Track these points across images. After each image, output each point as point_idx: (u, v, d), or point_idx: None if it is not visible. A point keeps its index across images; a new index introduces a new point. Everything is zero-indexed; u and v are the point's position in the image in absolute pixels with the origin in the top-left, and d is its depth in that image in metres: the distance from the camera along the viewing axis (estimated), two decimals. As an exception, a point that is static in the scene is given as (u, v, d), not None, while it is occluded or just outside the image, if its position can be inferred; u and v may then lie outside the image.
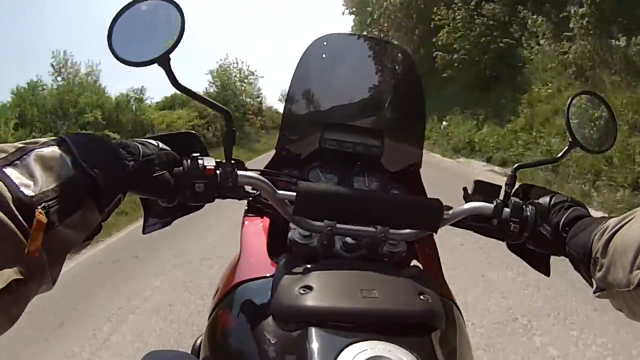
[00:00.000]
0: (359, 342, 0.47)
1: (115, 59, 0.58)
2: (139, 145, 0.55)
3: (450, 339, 0.61)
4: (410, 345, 0.48)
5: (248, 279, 0.70)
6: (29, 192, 0.39)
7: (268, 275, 0.66)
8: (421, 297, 0.54)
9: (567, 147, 0.74)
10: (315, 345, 0.47)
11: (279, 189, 0.64)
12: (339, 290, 0.53)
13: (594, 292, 0.54)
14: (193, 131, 0.69)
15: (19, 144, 0.42)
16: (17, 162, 0.40)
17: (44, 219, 0.38)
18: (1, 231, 0.36)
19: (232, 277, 0.74)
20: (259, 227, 0.86)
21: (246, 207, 0.89)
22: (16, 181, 0.39)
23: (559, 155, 0.76)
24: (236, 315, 0.66)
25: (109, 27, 0.59)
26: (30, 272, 0.38)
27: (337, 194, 0.65)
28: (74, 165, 0.43)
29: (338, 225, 0.64)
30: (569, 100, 0.76)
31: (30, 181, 0.40)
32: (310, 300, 0.51)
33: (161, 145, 0.58)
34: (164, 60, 0.57)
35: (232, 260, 0.85)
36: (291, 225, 0.70)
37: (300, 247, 0.69)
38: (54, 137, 0.46)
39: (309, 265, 0.59)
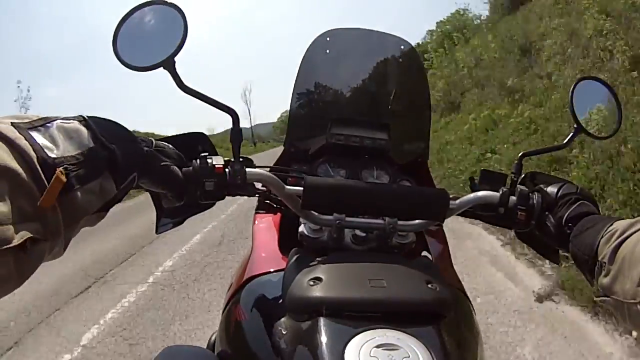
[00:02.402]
0: (367, 330, 0.48)
1: (121, 64, 0.59)
2: (152, 139, 0.57)
3: (458, 328, 0.62)
4: (418, 333, 0.48)
5: (260, 274, 0.71)
6: (52, 155, 0.40)
7: (279, 269, 0.68)
8: (429, 286, 0.55)
9: (572, 134, 0.74)
10: (325, 334, 0.48)
11: (287, 185, 0.66)
12: (348, 280, 0.55)
13: (597, 297, 0.53)
14: (202, 132, 0.70)
15: (41, 115, 0.44)
16: (41, 128, 0.42)
17: (63, 177, 0.39)
18: (23, 188, 0.37)
19: (245, 272, 0.75)
20: (270, 223, 0.87)
21: (257, 204, 0.91)
22: (40, 143, 0.40)
23: (564, 142, 0.76)
24: (249, 309, 0.67)
25: (114, 33, 0.60)
26: (46, 232, 0.39)
27: (344, 187, 0.66)
28: (94, 139, 0.45)
29: (347, 219, 0.65)
30: (573, 85, 0.76)
31: (53, 145, 0.41)
32: (320, 291, 0.53)
33: (172, 147, 0.60)
34: (169, 64, 0.58)
35: (244, 256, 0.87)
36: (301, 220, 0.72)
37: (310, 241, 0.70)
38: (75, 116, 0.47)
39: (318, 258, 0.60)
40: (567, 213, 0.62)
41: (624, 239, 0.49)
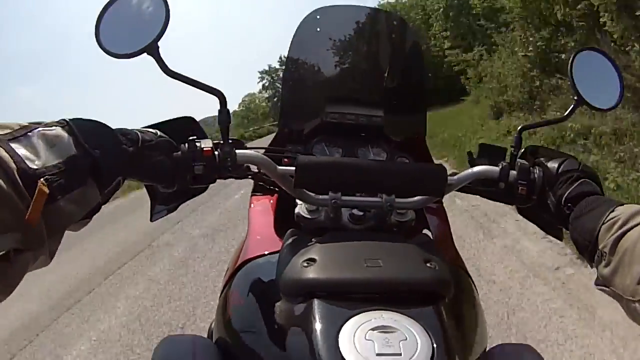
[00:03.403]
0: (363, 312, 0.46)
1: (103, 52, 0.59)
2: (139, 133, 0.55)
3: (459, 308, 0.60)
4: (416, 314, 0.47)
5: (255, 256, 0.70)
6: (32, 165, 0.40)
7: (275, 251, 0.66)
8: (428, 265, 0.53)
9: (572, 106, 0.72)
10: (318, 317, 0.46)
11: (281, 166, 0.64)
12: (343, 261, 0.53)
13: (596, 284, 0.53)
14: (190, 116, 0.69)
15: (23, 123, 0.44)
16: (22, 138, 0.42)
17: (45, 189, 0.39)
18: (3, 199, 0.37)
19: (240, 255, 0.74)
20: (266, 205, 0.86)
21: (253, 187, 0.90)
22: (21, 154, 0.40)
23: (565, 114, 0.74)
24: (245, 293, 0.66)
25: (96, 21, 0.60)
26: (29, 242, 0.39)
27: (338, 165, 0.65)
28: (77, 145, 0.45)
29: (343, 197, 0.64)
30: (572, 57, 0.74)
31: (34, 156, 0.41)
32: (313, 273, 0.51)
33: (159, 133, 0.59)
34: (152, 49, 0.58)
35: (240, 240, 0.86)
36: (297, 201, 0.70)
37: (307, 222, 0.69)
38: (57, 120, 0.47)
39: (313, 239, 0.59)
40: (567, 192, 0.60)
41: (626, 230, 0.48)
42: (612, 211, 0.51)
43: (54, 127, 0.45)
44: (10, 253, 0.36)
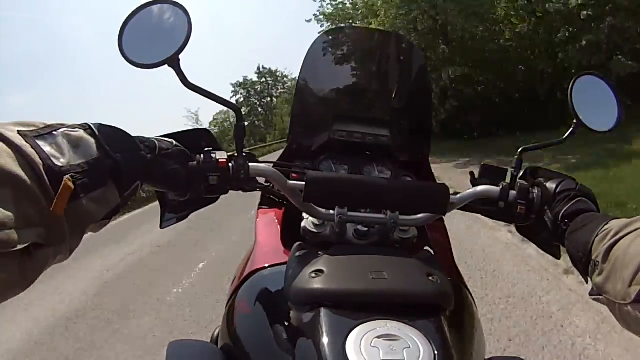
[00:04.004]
0: (368, 321, 0.48)
1: (126, 61, 0.60)
2: (155, 141, 0.58)
3: (459, 321, 0.62)
4: (418, 324, 0.49)
5: (262, 267, 0.72)
6: (57, 162, 0.41)
7: (282, 262, 0.68)
8: (430, 278, 0.55)
9: (571, 128, 0.75)
10: (326, 325, 0.49)
11: (290, 180, 0.67)
12: (349, 272, 0.55)
13: (590, 294, 0.54)
14: (206, 128, 0.71)
15: (46, 122, 0.45)
16: (47, 135, 0.43)
17: (71, 184, 0.40)
18: (28, 193, 0.38)
19: (246, 266, 0.76)
20: (272, 218, 0.88)
21: (260, 200, 0.92)
22: (46, 151, 0.41)
23: (564, 137, 0.76)
24: (252, 302, 0.68)
25: (119, 31, 0.61)
26: (50, 238, 0.40)
27: (345, 181, 0.67)
28: (99, 148, 0.47)
29: (348, 213, 0.66)
30: (572, 81, 0.76)
31: (59, 154, 0.42)
32: (321, 283, 0.53)
33: (175, 142, 0.61)
34: (173, 61, 0.60)
35: (247, 251, 0.88)
36: (304, 214, 0.73)
37: (313, 236, 0.71)
38: (79, 123, 0.49)
39: (320, 252, 0.61)
40: (564, 209, 0.62)
41: (617, 238, 0.49)
42: (606, 224, 0.53)
43: (77, 129, 0.46)
44: (30, 247, 0.37)
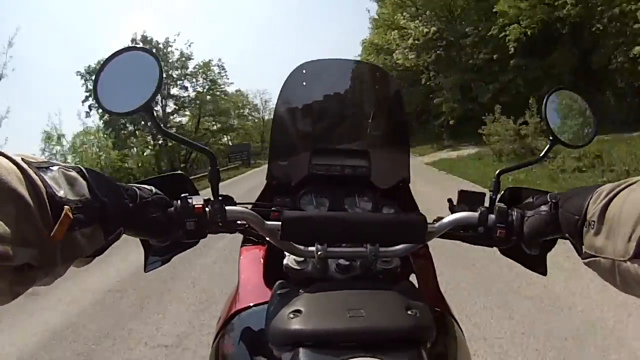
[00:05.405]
0: (348, 359, 0.48)
1: (102, 110, 0.62)
2: (136, 189, 0.59)
3: (443, 351, 0.61)
4: (398, 359, 0.48)
5: (245, 307, 0.72)
6: (58, 193, 0.44)
7: (264, 302, 0.68)
8: (409, 312, 0.55)
9: (548, 146, 0.75)
10: None
11: (271, 219, 0.67)
12: (326, 311, 0.55)
13: (583, 258, 0.54)
14: (182, 172, 0.72)
15: (42, 158, 0.47)
16: (47, 169, 0.45)
17: (70, 215, 0.43)
18: (29, 215, 0.39)
19: (231, 305, 0.76)
20: (255, 256, 0.88)
21: (242, 239, 0.92)
22: (49, 181, 0.43)
23: (541, 155, 0.76)
24: (236, 342, 0.68)
25: (94, 80, 0.63)
26: (42, 261, 0.41)
27: (322, 219, 0.67)
28: (90, 190, 0.49)
29: (329, 249, 0.66)
30: (545, 98, 0.77)
31: (58, 187, 0.44)
32: (299, 324, 0.53)
33: (154, 190, 0.62)
34: (147, 108, 0.60)
35: (232, 290, 0.87)
36: (286, 252, 0.72)
37: (295, 273, 0.71)
38: (72, 165, 0.50)
39: (300, 290, 0.61)
40: (551, 196, 0.62)
41: (612, 196, 0.49)
42: (598, 187, 0.53)
43: (70, 170, 0.48)
44: (24, 266, 0.39)
